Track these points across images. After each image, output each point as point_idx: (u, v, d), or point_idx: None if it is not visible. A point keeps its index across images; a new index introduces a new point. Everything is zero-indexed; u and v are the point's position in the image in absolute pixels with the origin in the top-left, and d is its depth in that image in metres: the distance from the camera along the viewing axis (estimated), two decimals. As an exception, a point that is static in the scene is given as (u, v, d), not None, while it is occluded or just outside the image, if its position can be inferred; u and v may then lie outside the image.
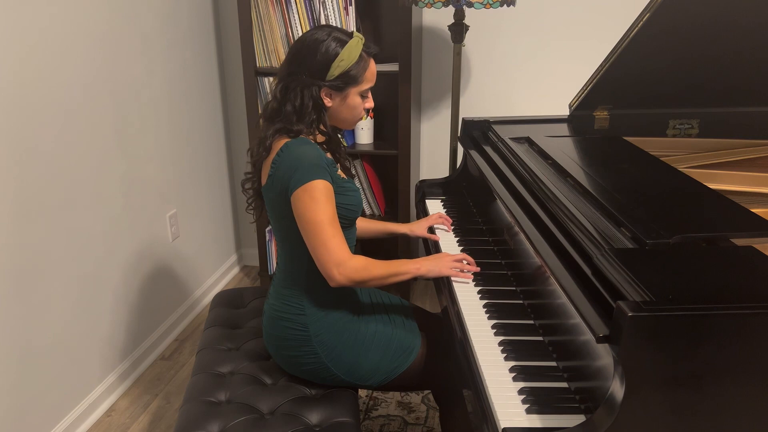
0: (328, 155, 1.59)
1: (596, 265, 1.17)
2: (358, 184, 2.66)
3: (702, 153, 1.85)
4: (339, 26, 1.61)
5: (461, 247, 1.81)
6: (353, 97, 1.55)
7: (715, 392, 1.00)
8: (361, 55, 1.52)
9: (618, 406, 0.97)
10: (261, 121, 1.62)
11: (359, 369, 1.58)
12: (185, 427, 1.46)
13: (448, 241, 1.85)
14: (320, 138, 1.57)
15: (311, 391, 1.59)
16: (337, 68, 1.49)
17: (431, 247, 1.87)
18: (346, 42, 1.50)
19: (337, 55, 1.49)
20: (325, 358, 1.56)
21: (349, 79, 1.52)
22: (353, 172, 1.77)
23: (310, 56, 1.50)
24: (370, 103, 1.61)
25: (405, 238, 1.97)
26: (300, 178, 1.43)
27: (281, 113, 1.53)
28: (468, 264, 1.63)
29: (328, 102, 1.54)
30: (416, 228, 1.91)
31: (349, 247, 1.61)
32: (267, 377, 1.64)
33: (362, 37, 1.54)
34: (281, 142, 1.51)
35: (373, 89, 1.60)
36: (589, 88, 1.90)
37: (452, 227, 1.92)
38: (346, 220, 1.55)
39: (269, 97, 1.59)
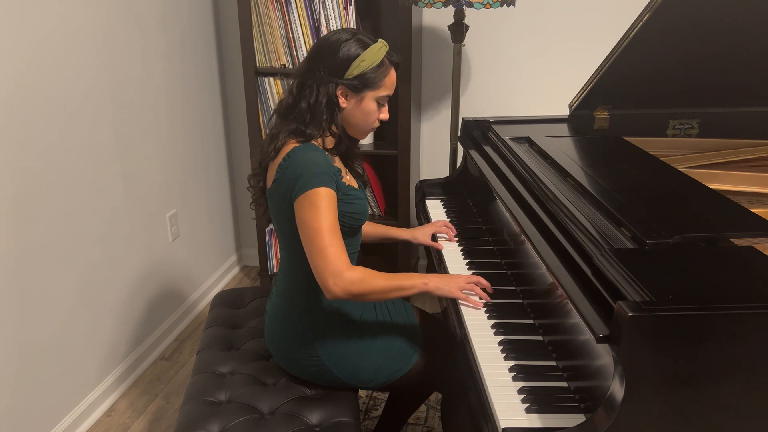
0: (336, 160, 1.57)
1: (596, 265, 1.17)
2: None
3: (702, 153, 1.85)
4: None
5: (461, 247, 1.81)
6: (369, 101, 1.52)
7: (715, 392, 1.00)
8: (383, 61, 1.50)
9: (618, 406, 0.98)
10: (274, 116, 1.60)
11: (361, 371, 1.57)
12: (185, 427, 1.46)
13: (452, 251, 1.80)
14: (330, 143, 1.55)
15: (311, 391, 1.59)
16: (357, 68, 1.48)
17: (434, 255, 1.84)
18: (370, 45, 1.49)
19: (358, 55, 1.48)
20: (326, 360, 1.55)
21: (367, 81, 1.49)
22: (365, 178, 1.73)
23: (331, 54, 1.48)
24: (385, 115, 1.57)
25: (407, 243, 1.93)
26: (303, 185, 1.41)
27: (295, 110, 1.52)
28: (483, 289, 1.53)
29: (343, 102, 1.51)
30: (419, 235, 1.87)
31: (353, 254, 1.60)
32: (267, 377, 1.64)
33: (387, 44, 1.53)
34: (289, 147, 1.48)
35: None
36: (589, 88, 1.90)
37: (454, 234, 1.89)
38: (350, 228, 1.54)
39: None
